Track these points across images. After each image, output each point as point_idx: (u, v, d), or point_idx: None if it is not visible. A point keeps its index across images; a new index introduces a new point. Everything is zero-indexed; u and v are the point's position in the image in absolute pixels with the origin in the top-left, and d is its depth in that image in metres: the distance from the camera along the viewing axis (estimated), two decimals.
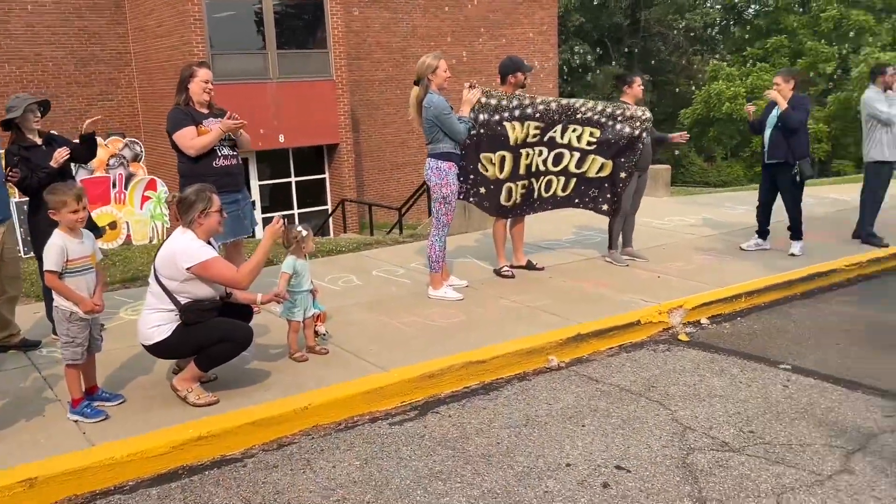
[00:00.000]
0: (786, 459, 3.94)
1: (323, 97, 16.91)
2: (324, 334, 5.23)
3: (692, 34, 32.08)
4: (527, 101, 6.54)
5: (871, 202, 7.92)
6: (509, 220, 7.09)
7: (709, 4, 32.93)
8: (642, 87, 7.25)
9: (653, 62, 32.86)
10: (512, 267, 7.13)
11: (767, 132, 7.50)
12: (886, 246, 7.79)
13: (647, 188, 11.24)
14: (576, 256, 7.76)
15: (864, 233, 7.97)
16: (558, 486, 3.72)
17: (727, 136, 30.30)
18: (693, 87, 32.13)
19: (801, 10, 30.07)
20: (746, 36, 31.70)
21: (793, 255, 7.51)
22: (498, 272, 7.04)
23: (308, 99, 16.61)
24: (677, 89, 30.89)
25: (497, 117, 6.48)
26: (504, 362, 5.14)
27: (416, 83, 6.10)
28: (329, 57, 16.91)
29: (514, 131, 6.53)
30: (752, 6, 31.88)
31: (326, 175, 18.31)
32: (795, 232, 7.62)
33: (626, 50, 33.43)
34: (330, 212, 17.76)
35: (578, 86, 29.23)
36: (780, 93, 7.35)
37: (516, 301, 6.29)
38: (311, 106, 16.60)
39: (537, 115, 6.57)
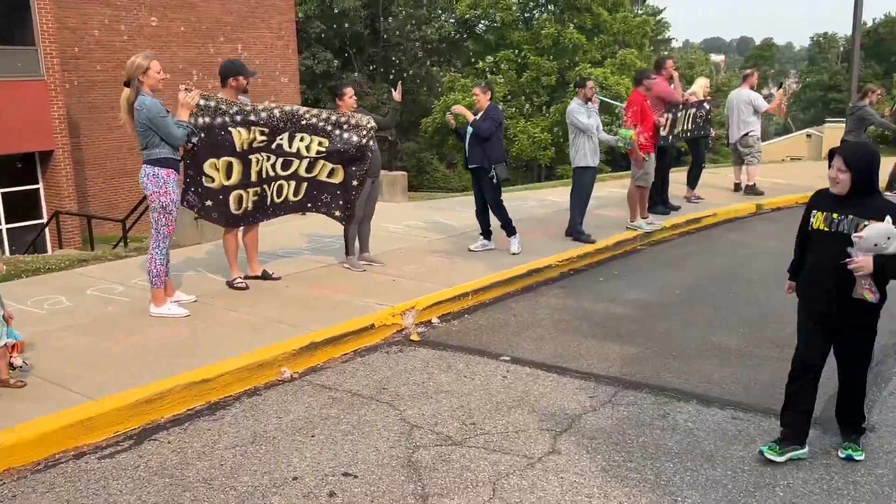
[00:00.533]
0: (503, 447, 4.17)
1: (32, 99, 15.19)
2: (21, 366, 4.63)
3: (429, 46, 33.54)
4: (248, 107, 6.33)
5: (578, 203, 8.75)
6: (241, 228, 6.83)
7: (444, 18, 34.63)
8: (354, 98, 7.30)
9: (394, 71, 33.83)
10: (246, 278, 6.87)
11: (467, 140, 7.97)
12: (593, 242, 8.64)
13: (385, 194, 11.57)
14: (314, 264, 7.68)
15: (574, 231, 8.78)
16: (283, 503, 3.61)
17: None
18: (433, 98, 33.63)
19: (524, 27, 32.68)
20: (474, 49, 33.79)
21: (514, 253, 8.05)
22: (231, 284, 6.75)
23: (14, 101, 14.81)
24: (417, 99, 32.07)
25: (220, 121, 6.19)
26: (232, 379, 4.92)
27: (127, 84, 5.65)
28: (38, 55, 15.23)
29: (241, 137, 6.29)
30: (482, 22, 34.07)
31: (40, 185, 16.45)
32: (508, 229, 8.18)
33: (368, 58, 34.09)
34: (44, 226, 15.98)
35: (322, 93, 29.28)
36: (479, 103, 7.89)
37: (249, 313, 6.07)
38: (18, 109, 14.82)
39: (261, 121, 6.39)
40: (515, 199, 12.19)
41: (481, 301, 6.93)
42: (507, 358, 5.55)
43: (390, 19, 32.46)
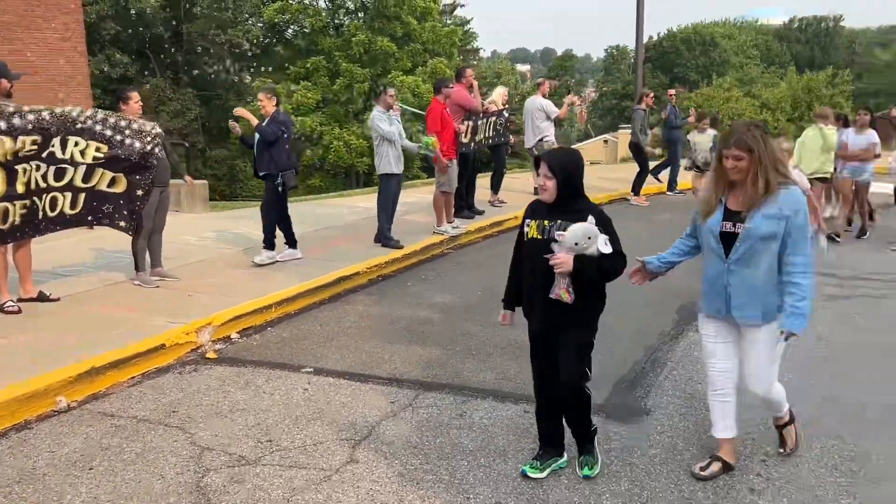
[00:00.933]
0: (299, 462, 4.06)
1: None
2: None
3: (236, 51, 32.46)
4: (11, 109, 5.73)
5: (385, 210, 8.78)
6: (10, 245, 6.19)
7: (251, 22, 33.63)
8: (140, 104, 6.84)
9: (195, 73, 32.40)
10: (20, 300, 6.24)
11: (256, 146, 7.76)
12: (401, 248, 8.71)
13: (183, 204, 11.02)
14: (100, 282, 7.12)
15: (383, 237, 8.81)
16: None
17: None
18: (243, 104, 32.53)
19: (335, 33, 32.47)
20: (284, 54, 33.13)
21: (256, 263, 7.74)
22: (0, 308, 6.10)
23: None
24: (226, 104, 30.91)
25: None
26: None
27: None
28: None
29: (3, 146, 5.69)
30: (292, 27, 33.48)
31: None
32: (267, 243, 7.87)
33: (171, 63, 32.40)
34: None
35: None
36: (264, 109, 7.69)
37: (22, 340, 5.51)
38: None
39: (29, 126, 5.81)
40: (328, 206, 12.10)
41: (286, 313, 6.75)
42: (310, 369, 5.44)
43: (194, 22, 31.03)
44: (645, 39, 20.53)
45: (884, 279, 7.86)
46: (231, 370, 5.43)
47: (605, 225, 3.60)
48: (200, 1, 31.61)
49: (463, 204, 10.44)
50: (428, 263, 8.77)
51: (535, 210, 3.77)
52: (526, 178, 14.55)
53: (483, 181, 11.99)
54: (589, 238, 3.49)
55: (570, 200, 3.62)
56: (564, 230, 3.52)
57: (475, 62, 45.65)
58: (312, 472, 3.95)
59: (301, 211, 11.38)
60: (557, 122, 12.63)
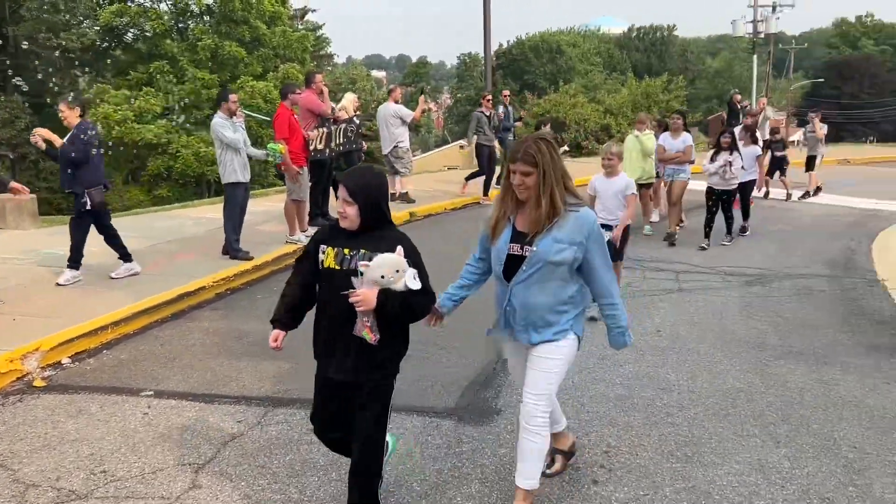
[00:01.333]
0: (136, 492, 3.81)
1: None
2: None
3: (71, 55, 30.40)
4: None
5: (231, 220, 8.46)
6: None
7: (86, 25, 31.64)
8: None
9: (23, 76, 30.08)
10: None
11: (59, 160, 7.18)
12: (251, 259, 8.43)
13: (8, 220, 10.15)
14: None
15: (231, 248, 8.49)
16: None
17: (124, 161, 29.68)
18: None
19: (179, 37, 31.18)
20: (124, 58, 31.43)
21: (59, 284, 7.22)
22: None
23: None
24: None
25: None
26: None
27: None
28: None
29: None
30: (131, 30, 31.79)
31: None
32: (72, 260, 7.33)
33: None
34: None
35: None
36: (67, 120, 7.06)
37: None
38: None
39: None
40: (171, 218, 11.54)
41: (124, 333, 6.35)
42: (150, 392, 5.13)
43: (21, 24, 28.78)
44: (495, 47, 21.17)
45: (711, 272, 8.45)
46: (62, 398, 5.03)
47: (413, 257, 3.16)
48: (28, 2, 29.37)
49: (318, 212, 10.26)
50: (281, 274, 8.52)
51: (334, 235, 3.25)
52: None
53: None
54: (397, 271, 3.06)
55: (374, 227, 3.17)
56: (369, 260, 3.08)
57: (329, 68, 45.26)
58: (151, 502, 3.71)
59: (140, 224, 10.83)
60: (414, 128, 12.72)
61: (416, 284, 3.08)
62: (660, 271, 8.49)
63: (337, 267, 3.17)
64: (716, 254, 9.39)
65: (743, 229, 10.63)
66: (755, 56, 33.40)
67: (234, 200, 8.42)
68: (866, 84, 56.81)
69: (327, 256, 3.20)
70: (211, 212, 11.91)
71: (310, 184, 9.95)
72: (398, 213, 11.82)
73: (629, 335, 3.54)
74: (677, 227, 10.18)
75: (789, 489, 3.78)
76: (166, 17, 30.98)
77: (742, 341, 6.06)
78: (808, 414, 4.66)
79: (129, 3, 30.56)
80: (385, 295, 3.05)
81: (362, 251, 3.13)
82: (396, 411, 4.76)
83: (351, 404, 3.27)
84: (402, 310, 3.10)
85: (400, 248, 3.09)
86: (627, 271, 7.82)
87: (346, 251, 3.16)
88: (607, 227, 6.48)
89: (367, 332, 3.11)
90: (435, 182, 15.70)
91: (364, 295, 3.02)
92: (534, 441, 3.41)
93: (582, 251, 3.27)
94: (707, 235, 9.69)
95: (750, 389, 5.05)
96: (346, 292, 3.05)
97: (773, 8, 33.01)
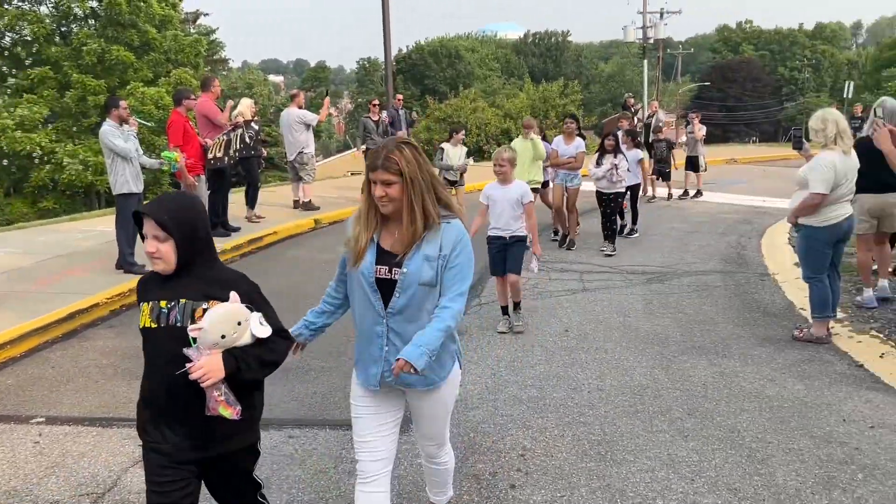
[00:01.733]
0: None
1: None
2: None
3: None
4: None
5: (125, 232, 8.05)
6: None
7: None
8: None
9: None
10: None
11: None
12: (147, 272, 8.04)
13: None
14: None
15: (125, 262, 8.09)
16: None
17: (4, 171, 27.91)
18: None
19: (62, 41, 29.60)
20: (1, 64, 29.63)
21: None
22: None
23: None
24: None
25: None
26: None
27: None
28: None
29: None
30: (9, 35, 29.93)
31: None
32: None
33: None
34: None
35: None
36: None
37: None
38: None
39: None
40: (58, 232, 10.92)
41: (9, 357, 5.95)
42: (41, 419, 4.81)
43: None
44: (395, 52, 21.15)
45: (613, 271, 8.68)
46: None
47: (252, 297, 2.58)
48: None
49: (217, 221, 9.93)
50: None
51: (148, 288, 2.61)
52: (284, 191, 14.26)
53: (237, 196, 11.53)
54: (238, 324, 2.46)
55: (194, 267, 2.55)
56: (198, 317, 2.47)
57: (224, 72, 44.07)
58: None
59: (23, 239, 10.19)
60: (315, 132, 12.54)
61: (265, 331, 2.52)
62: (564, 272, 8.65)
63: (154, 325, 2.53)
64: (616, 253, 9.66)
65: (631, 231, 10.96)
66: (645, 61, 34.76)
67: (127, 212, 8.00)
68: (749, 86, 60.06)
69: (143, 314, 2.56)
70: (102, 224, 11.35)
71: (208, 193, 9.64)
72: (302, 220, 11.60)
73: (426, 359, 2.68)
74: (577, 233, 10.36)
75: (699, 482, 3.88)
76: (48, 21, 29.32)
77: (646, 338, 6.23)
78: (711, 407, 4.82)
79: (6, 6, 28.76)
80: (233, 356, 2.47)
81: (182, 301, 2.51)
82: (305, 426, 4.64)
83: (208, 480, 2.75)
84: (259, 366, 2.55)
85: (233, 294, 2.48)
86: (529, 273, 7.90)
87: (163, 303, 2.52)
88: (499, 240, 6.37)
89: (223, 407, 2.48)
90: (338, 189, 15.52)
91: (207, 366, 2.41)
92: (440, 468, 3.33)
93: (444, 263, 2.80)
94: (607, 238, 9.90)
95: (656, 385, 5.19)
96: (182, 371, 2.41)
97: (661, 14, 34.43)
